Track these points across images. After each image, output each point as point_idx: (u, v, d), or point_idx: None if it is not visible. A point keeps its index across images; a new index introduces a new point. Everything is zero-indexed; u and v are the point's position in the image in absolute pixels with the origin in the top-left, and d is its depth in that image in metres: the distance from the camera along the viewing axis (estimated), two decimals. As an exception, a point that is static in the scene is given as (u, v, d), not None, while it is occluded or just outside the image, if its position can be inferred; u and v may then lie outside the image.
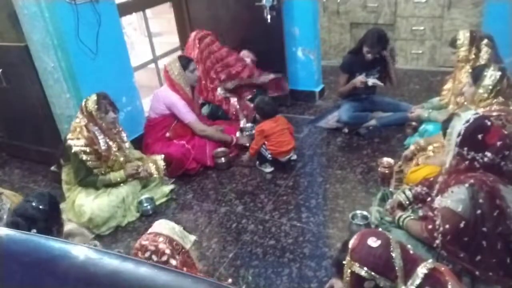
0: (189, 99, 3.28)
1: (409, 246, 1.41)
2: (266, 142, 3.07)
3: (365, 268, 1.28)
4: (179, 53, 4.57)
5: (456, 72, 2.83)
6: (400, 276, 1.27)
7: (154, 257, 1.51)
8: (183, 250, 1.60)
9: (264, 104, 3.16)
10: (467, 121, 1.76)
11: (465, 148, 1.75)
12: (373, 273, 1.27)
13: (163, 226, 1.65)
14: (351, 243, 1.36)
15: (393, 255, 1.28)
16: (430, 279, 1.27)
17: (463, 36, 2.73)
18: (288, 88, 4.02)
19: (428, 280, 1.27)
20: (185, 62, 3.24)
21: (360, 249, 1.32)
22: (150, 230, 1.66)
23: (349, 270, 1.33)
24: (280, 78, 3.96)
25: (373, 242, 1.30)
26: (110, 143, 2.73)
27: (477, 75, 2.34)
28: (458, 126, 1.77)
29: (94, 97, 2.67)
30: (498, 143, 1.72)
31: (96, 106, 2.64)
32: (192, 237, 1.69)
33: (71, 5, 2.74)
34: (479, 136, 1.73)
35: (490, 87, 2.26)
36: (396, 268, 1.27)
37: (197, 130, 3.26)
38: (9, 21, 2.95)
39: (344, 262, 1.38)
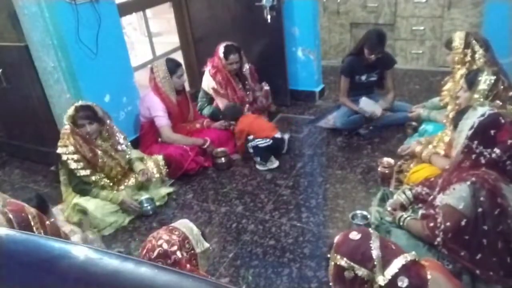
0: (171, 105, 3.22)
1: (392, 241, 1.45)
2: (252, 136, 3.17)
3: (345, 258, 1.34)
4: (179, 53, 4.58)
5: (454, 73, 2.84)
6: (378, 267, 1.30)
7: (165, 246, 1.57)
8: (192, 251, 1.63)
9: (228, 110, 3.43)
10: (482, 115, 1.76)
11: (475, 142, 1.75)
12: (351, 263, 1.32)
13: (183, 224, 1.71)
14: (336, 239, 1.43)
15: (372, 246, 1.33)
16: (408, 271, 1.29)
17: (458, 39, 2.72)
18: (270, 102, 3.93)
19: (405, 271, 1.29)
20: (173, 66, 3.19)
21: (342, 243, 1.38)
22: (171, 224, 1.72)
23: (332, 263, 1.38)
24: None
25: (354, 236, 1.38)
26: (95, 149, 2.68)
27: (471, 81, 2.34)
28: (472, 119, 1.77)
29: (72, 110, 2.61)
30: (509, 142, 1.73)
31: (70, 120, 2.61)
32: (207, 245, 1.71)
33: (71, 5, 2.74)
34: (492, 132, 1.73)
35: (486, 92, 2.26)
36: (374, 257, 1.31)
37: (164, 136, 3.20)
38: (9, 21, 2.94)
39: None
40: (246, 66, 3.73)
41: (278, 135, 3.20)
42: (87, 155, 2.64)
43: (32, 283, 0.81)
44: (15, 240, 0.91)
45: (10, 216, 1.81)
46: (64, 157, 2.61)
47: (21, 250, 0.87)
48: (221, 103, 3.69)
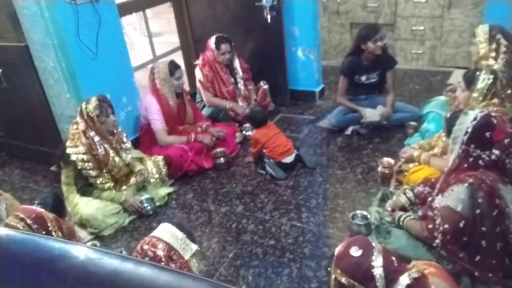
0: (168, 107, 3.20)
1: (394, 253, 1.41)
2: (264, 150, 3.07)
3: (345, 277, 1.31)
4: (179, 53, 4.58)
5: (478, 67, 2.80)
6: (381, 286, 1.27)
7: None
8: (181, 260, 1.61)
9: (254, 113, 3.19)
10: (475, 119, 1.76)
11: (472, 146, 1.76)
12: (352, 281, 1.29)
13: (166, 231, 1.66)
14: (336, 251, 1.39)
15: (373, 264, 1.29)
16: None
17: (482, 32, 2.70)
18: (270, 103, 3.95)
19: None
20: (172, 68, 3.18)
21: (343, 257, 1.35)
22: (154, 232, 1.68)
23: (333, 276, 1.35)
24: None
25: (355, 251, 1.32)
26: (108, 148, 2.70)
27: (469, 80, 2.35)
28: (465, 124, 1.77)
29: (94, 101, 2.63)
30: (506, 141, 1.73)
31: (97, 112, 2.62)
32: (194, 247, 1.68)
33: (71, 5, 2.74)
34: (487, 134, 1.73)
35: (485, 90, 2.27)
36: (376, 277, 1.28)
37: (159, 140, 3.20)
38: (9, 21, 2.95)
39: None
40: (237, 60, 3.74)
41: (287, 159, 3.04)
42: (99, 154, 2.63)
43: (32, 283, 0.81)
44: (15, 240, 0.91)
45: (29, 222, 1.83)
46: (74, 157, 2.60)
47: (21, 250, 0.87)
48: (205, 96, 3.72)
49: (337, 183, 2.90)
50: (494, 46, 2.66)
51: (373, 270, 1.28)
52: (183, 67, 4.43)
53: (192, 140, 3.21)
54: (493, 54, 2.67)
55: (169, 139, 3.22)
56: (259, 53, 3.96)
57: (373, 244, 1.36)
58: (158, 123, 3.18)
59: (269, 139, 3.07)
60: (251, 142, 3.20)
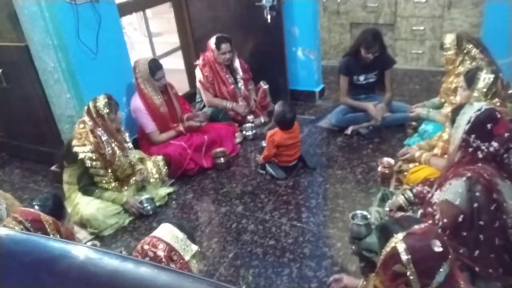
0: (154, 106, 3.16)
1: (461, 275, 1.39)
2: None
3: (409, 256, 1.27)
4: (179, 53, 4.58)
5: (447, 74, 2.89)
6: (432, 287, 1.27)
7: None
8: (182, 261, 1.60)
9: (283, 115, 2.93)
10: (479, 110, 1.77)
11: (472, 136, 1.76)
12: (411, 265, 1.27)
13: (166, 231, 1.66)
14: (415, 227, 1.33)
15: (441, 269, 1.27)
16: None
17: (450, 40, 2.80)
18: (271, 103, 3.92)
19: None
20: (153, 68, 3.08)
21: (419, 239, 1.31)
22: (154, 232, 1.67)
23: (393, 245, 1.32)
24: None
25: (436, 245, 1.28)
26: (115, 148, 2.72)
27: (470, 79, 2.37)
28: (469, 113, 1.78)
29: (103, 98, 2.65)
30: (506, 135, 1.73)
31: (107, 109, 2.64)
32: (195, 247, 1.68)
33: (71, 5, 2.74)
34: (488, 126, 1.74)
35: (485, 89, 2.29)
36: (435, 279, 1.27)
37: (153, 141, 3.22)
38: (9, 21, 2.95)
39: (389, 227, 1.37)
40: (237, 61, 3.74)
41: (290, 164, 3.04)
42: (106, 153, 2.64)
43: (32, 283, 0.81)
44: (16, 240, 0.91)
45: (27, 225, 1.83)
46: (82, 155, 2.60)
47: (21, 250, 0.87)
48: (205, 97, 3.72)
49: (337, 183, 2.90)
50: (461, 53, 2.75)
51: (437, 273, 1.26)
52: (183, 67, 4.46)
53: (182, 129, 3.24)
54: (460, 58, 2.76)
55: (161, 137, 3.24)
56: (259, 53, 3.96)
57: (451, 254, 1.32)
58: (149, 125, 3.19)
59: (284, 146, 2.96)
60: (266, 142, 3.02)
